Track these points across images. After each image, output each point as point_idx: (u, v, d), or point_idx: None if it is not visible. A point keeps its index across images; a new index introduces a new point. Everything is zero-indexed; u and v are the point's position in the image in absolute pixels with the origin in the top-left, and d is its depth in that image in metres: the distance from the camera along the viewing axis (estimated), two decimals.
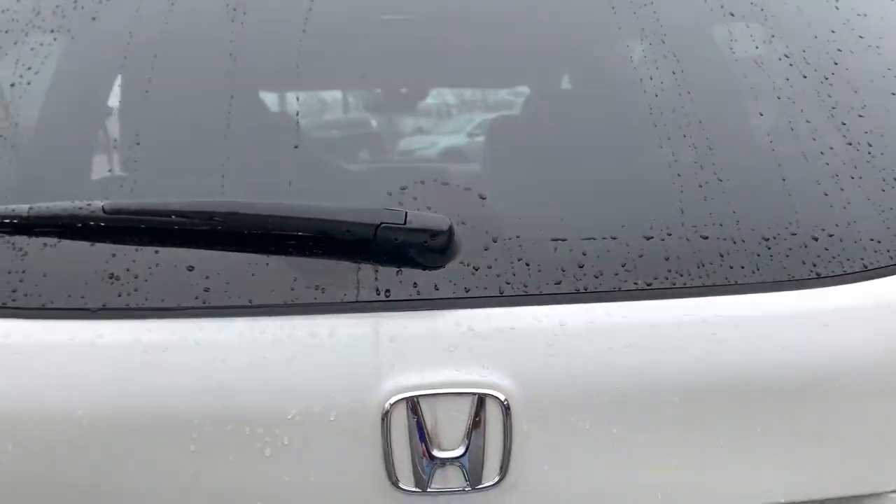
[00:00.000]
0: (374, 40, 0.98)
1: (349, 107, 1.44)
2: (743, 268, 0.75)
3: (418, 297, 0.71)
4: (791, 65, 0.89)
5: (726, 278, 0.75)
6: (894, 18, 0.97)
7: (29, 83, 0.83)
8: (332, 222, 0.70)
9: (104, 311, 0.70)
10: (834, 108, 0.87)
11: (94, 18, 0.87)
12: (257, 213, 0.71)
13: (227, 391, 0.68)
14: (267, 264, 0.72)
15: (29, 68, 0.83)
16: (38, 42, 0.85)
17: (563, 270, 0.73)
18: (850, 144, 0.85)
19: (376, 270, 0.71)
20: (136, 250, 0.72)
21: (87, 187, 0.85)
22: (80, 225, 0.71)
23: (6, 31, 0.85)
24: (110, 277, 0.72)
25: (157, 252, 0.72)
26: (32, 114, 0.83)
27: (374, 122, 1.48)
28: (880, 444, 0.75)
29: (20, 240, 0.73)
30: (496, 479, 0.68)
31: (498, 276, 0.73)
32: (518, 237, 0.75)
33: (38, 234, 0.73)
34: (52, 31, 0.86)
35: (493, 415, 0.68)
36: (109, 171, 0.84)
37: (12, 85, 0.83)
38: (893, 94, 0.89)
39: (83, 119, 0.89)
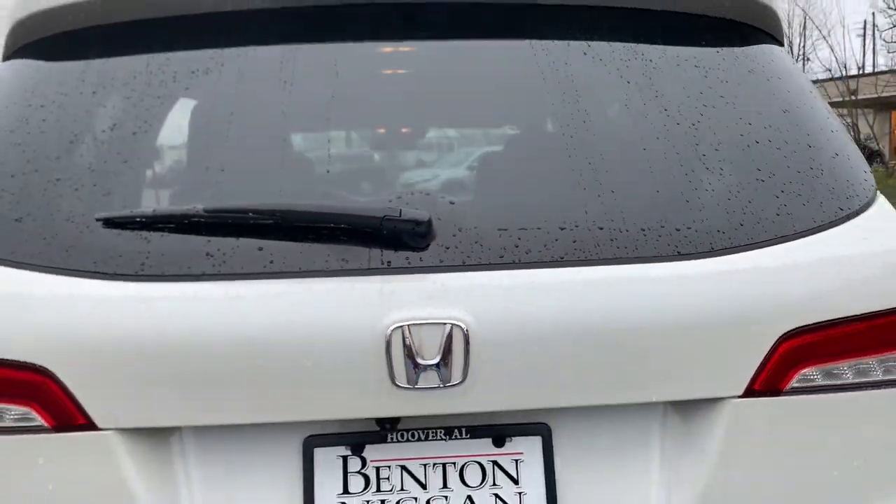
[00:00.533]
0: (383, 95, 1.38)
1: (364, 144, 1.81)
2: (626, 248, 1.12)
3: (409, 265, 1.08)
4: (668, 116, 1.26)
5: (615, 255, 1.11)
6: (748, 84, 1.34)
7: (146, 132, 1.22)
8: (353, 216, 1.08)
9: (203, 276, 1.07)
10: (697, 144, 1.24)
11: (187, 88, 1.27)
12: (305, 212, 1.09)
13: (287, 324, 1.04)
14: (310, 245, 1.09)
15: (145, 121, 1.22)
16: (150, 105, 1.24)
17: (505, 249, 1.10)
18: (707, 169, 1.22)
19: (381, 248, 1.08)
20: (224, 237, 1.10)
21: (187, 195, 1.23)
22: (186, 221, 1.09)
23: (128, 97, 1.24)
24: (207, 255, 1.09)
25: (237, 238, 1.10)
26: (151, 149, 1.22)
27: (376, 156, 1.85)
28: (720, 362, 1.11)
29: (146, 232, 1.11)
30: (460, 380, 1.04)
31: (461, 252, 1.09)
32: (475, 228, 1.12)
33: (158, 229, 1.11)
34: (158, 97, 1.25)
35: (458, 338, 1.04)
36: (202, 187, 1.22)
37: (134, 133, 1.21)
38: (742, 135, 1.27)
39: (181, 152, 1.28)
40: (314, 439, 1.11)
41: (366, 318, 1.04)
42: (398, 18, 1.32)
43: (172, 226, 1.10)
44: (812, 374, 1.15)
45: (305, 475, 1.10)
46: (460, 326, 1.04)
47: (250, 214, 1.08)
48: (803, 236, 1.18)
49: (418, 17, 1.33)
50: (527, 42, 1.32)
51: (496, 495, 1.11)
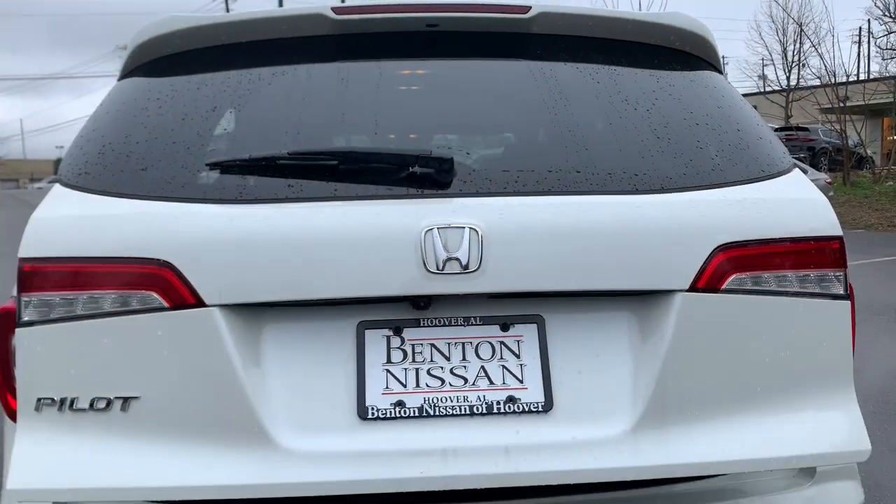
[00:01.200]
0: (394, 104, 1.78)
1: (406, 122, 2.05)
2: (596, 185, 1.50)
3: (438, 193, 1.45)
4: (628, 104, 1.67)
5: (587, 188, 1.49)
6: (690, 90, 1.77)
7: (236, 111, 1.61)
8: (397, 155, 1.45)
9: (287, 199, 1.44)
10: (650, 122, 1.63)
11: (269, 84, 1.69)
12: (361, 153, 1.46)
13: (349, 230, 1.41)
14: (365, 178, 1.46)
15: (235, 104, 1.62)
16: (240, 93, 1.65)
17: (507, 183, 1.48)
18: (658, 139, 1.60)
19: (419, 182, 1.46)
20: (301, 174, 1.46)
21: (272, 147, 1.60)
22: (274, 162, 1.46)
23: (224, 91, 1.66)
24: (288, 186, 1.45)
25: (311, 173, 1.46)
26: (242, 122, 1.64)
27: (414, 128, 2.13)
28: (671, 263, 1.47)
29: (244, 172, 1.49)
30: (476, 267, 1.40)
31: (475, 185, 1.47)
32: (485, 170, 1.50)
33: (253, 169, 1.49)
34: (230, 105, 1.65)
35: (474, 238, 1.40)
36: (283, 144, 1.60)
37: (230, 111, 1.61)
38: (685, 119, 1.66)
39: (266, 124, 1.68)
40: (365, 324, 1.47)
41: (406, 224, 1.41)
42: (430, 42, 1.82)
43: (263, 165, 1.48)
44: (742, 279, 1.50)
45: (358, 350, 1.45)
46: (475, 229, 1.40)
47: (322, 156, 1.45)
48: (733, 185, 1.57)
49: (439, 42, 1.81)
50: (525, 58, 1.79)
51: (503, 366, 1.46)
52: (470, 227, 1.40)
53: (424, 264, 1.39)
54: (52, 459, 1.41)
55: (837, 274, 1.57)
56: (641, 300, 1.50)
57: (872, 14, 22.59)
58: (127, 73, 1.82)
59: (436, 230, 1.40)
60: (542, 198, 1.48)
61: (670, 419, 1.45)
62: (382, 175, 1.49)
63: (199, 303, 1.40)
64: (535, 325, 1.49)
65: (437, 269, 1.39)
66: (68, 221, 1.47)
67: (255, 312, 1.44)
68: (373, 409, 1.41)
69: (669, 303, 1.47)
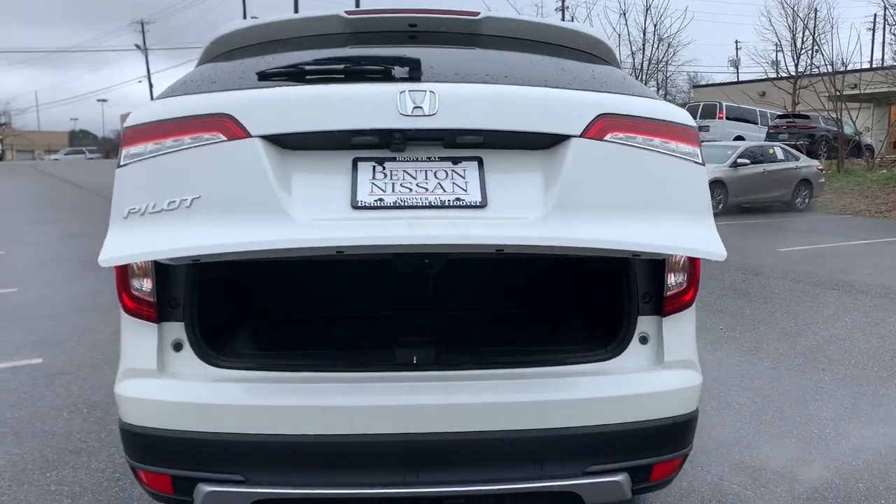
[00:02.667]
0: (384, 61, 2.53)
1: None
2: (518, 83, 2.32)
3: (410, 79, 2.19)
4: (545, 60, 2.58)
5: (510, 83, 2.31)
6: (595, 69, 2.60)
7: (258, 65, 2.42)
8: (381, 58, 2.24)
9: (306, 84, 2.17)
10: (561, 67, 2.52)
11: (284, 54, 2.50)
12: (360, 57, 2.25)
13: (351, 93, 2.16)
14: (361, 72, 2.24)
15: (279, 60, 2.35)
16: (265, 54, 2.39)
17: (457, 79, 2.26)
18: (564, 72, 2.50)
19: (396, 73, 2.21)
20: (318, 76, 2.24)
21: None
22: (301, 69, 2.24)
23: (272, 61, 2.37)
24: (308, 81, 2.20)
25: (324, 73, 2.24)
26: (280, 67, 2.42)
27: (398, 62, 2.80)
28: (569, 119, 2.20)
29: (276, 78, 2.29)
30: (433, 112, 2.12)
31: (435, 78, 2.23)
32: (444, 72, 2.29)
33: (282, 74, 2.27)
34: (274, 56, 2.50)
35: (432, 97, 2.12)
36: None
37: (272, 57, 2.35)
38: (583, 71, 2.55)
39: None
40: (358, 158, 2.18)
41: (388, 91, 2.14)
42: (411, 36, 2.81)
43: (294, 71, 2.25)
44: (619, 136, 2.21)
45: (353, 173, 2.17)
46: (433, 92, 2.14)
47: (332, 62, 2.25)
48: (617, 94, 2.35)
49: (418, 36, 2.80)
50: (475, 44, 2.78)
51: (453, 182, 2.17)
52: (430, 91, 2.13)
53: (399, 111, 2.11)
54: (130, 241, 2.02)
55: (695, 149, 2.29)
56: (549, 150, 2.21)
57: (889, 1, 23.00)
58: (201, 63, 2.80)
59: (407, 91, 2.13)
60: (481, 84, 2.25)
61: (570, 215, 2.12)
62: (370, 70, 2.25)
63: (247, 135, 2.11)
64: (476, 162, 2.20)
65: (408, 112, 2.11)
66: (160, 103, 2.23)
67: (284, 154, 2.16)
68: (362, 202, 2.12)
69: (567, 145, 2.18)
